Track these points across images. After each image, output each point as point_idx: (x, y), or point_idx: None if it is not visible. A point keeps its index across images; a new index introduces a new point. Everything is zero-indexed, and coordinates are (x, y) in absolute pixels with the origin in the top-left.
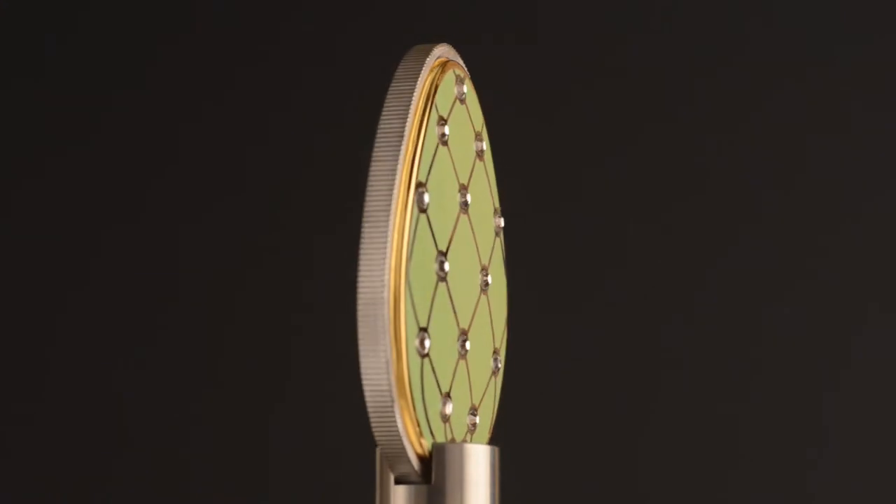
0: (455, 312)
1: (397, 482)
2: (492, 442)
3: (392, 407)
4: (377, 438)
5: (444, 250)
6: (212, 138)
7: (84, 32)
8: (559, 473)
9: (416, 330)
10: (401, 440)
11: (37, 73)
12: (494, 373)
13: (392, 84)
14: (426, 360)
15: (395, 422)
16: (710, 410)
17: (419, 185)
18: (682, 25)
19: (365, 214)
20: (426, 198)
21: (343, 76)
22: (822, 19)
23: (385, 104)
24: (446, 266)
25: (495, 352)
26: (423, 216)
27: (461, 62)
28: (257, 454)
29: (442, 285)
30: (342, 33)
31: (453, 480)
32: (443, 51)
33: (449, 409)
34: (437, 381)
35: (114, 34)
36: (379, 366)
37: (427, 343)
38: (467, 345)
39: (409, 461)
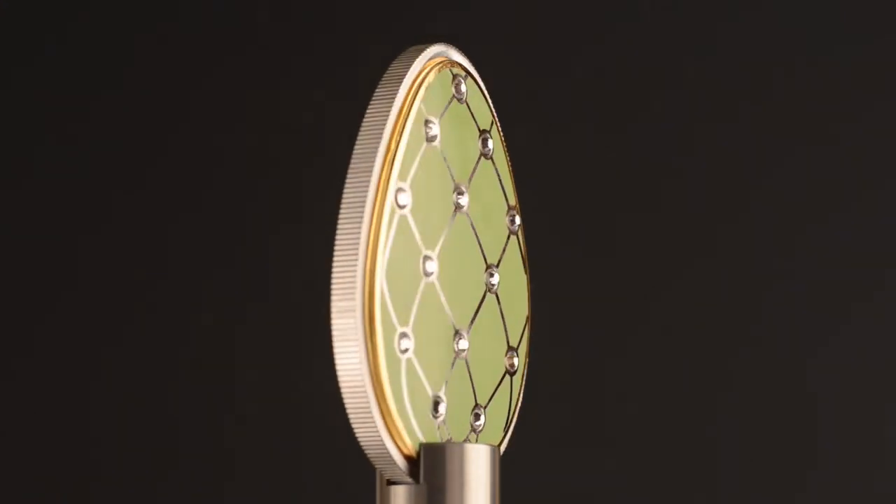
0: (448, 312)
1: (389, 483)
2: (508, 442)
3: (369, 408)
4: (358, 439)
5: (433, 250)
6: (212, 138)
7: (84, 32)
8: (559, 473)
9: (395, 330)
10: (381, 441)
11: (37, 73)
12: (510, 372)
13: (378, 85)
14: (408, 359)
15: (373, 422)
16: (710, 410)
17: (399, 185)
18: (682, 24)
19: (340, 216)
20: (407, 198)
21: (343, 76)
22: (822, 19)
23: (368, 106)
24: (433, 265)
25: (511, 349)
26: (403, 216)
27: (464, 61)
28: (257, 454)
29: (429, 285)
30: (343, 33)
31: (447, 480)
32: (439, 50)
33: (441, 409)
34: (424, 381)
35: (114, 34)
36: (353, 367)
37: (407, 342)
38: (463, 344)
39: (393, 462)
